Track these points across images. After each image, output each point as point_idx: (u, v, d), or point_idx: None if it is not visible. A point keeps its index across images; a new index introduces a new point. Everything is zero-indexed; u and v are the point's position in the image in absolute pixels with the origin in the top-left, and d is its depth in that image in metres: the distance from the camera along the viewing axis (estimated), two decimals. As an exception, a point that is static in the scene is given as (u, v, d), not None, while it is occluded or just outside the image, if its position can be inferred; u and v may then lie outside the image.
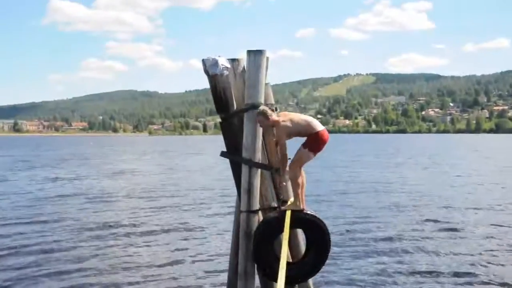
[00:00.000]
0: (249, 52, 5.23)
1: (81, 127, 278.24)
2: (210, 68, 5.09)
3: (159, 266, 9.00)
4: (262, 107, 5.19)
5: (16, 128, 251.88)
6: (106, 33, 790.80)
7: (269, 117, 5.16)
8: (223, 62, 5.14)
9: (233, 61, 5.34)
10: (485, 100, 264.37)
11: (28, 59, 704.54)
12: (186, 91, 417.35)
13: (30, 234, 11.46)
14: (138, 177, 25.75)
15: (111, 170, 30.53)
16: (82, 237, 11.19)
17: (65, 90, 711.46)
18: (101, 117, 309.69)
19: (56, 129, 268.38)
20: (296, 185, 5.33)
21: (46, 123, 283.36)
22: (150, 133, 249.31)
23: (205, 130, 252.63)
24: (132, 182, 23.06)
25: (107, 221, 13.14)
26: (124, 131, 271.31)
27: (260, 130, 5.28)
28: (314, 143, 5.34)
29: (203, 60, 5.16)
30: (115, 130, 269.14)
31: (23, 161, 39.71)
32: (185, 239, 11.08)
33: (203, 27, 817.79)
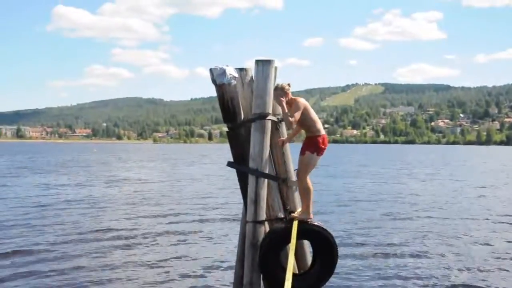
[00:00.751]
0: (257, 61, 5.23)
1: (84, 134, 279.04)
2: (217, 77, 5.07)
3: (162, 275, 8.91)
4: (281, 83, 5.22)
5: (19, 134, 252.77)
6: (112, 39, 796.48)
7: (287, 92, 5.18)
8: (231, 71, 5.12)
9: (240, 70, 5.34)
10: (496, 112, 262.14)
11: (32, 65, 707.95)
12: (191, 99, 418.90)
13: (29, 238, 11.44)
14: (141, 185, 25.69)
15: (114, 177, 30.52)
16: (82, 244, 11.13)
17: (69, 96, 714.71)
18: (105, 124, 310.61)
19: (60, 136, 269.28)
20: (308, 194, 5.29)
21: (49, 130, 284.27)
22: (154, 140, 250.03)
23: (210, 138, 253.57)
24: (135, 190, 23.00)
25: (107, 227, 13.08)
26: (129, 138, 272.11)
27: (267, 141, 5.24)
28: (320, 146, 5.33)
29: (210, 70, 5.16)
30: (119, 137, 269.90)
31: (25, 167, 39.79)
32: (189, 248, 10.99)
33: (209, 35, 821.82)
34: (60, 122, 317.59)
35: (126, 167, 42.32)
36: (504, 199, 20.91)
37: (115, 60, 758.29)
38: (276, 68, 5.33)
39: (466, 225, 14.24)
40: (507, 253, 10.72)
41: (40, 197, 19.60)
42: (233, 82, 5.13)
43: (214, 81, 5.13)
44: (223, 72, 5.05)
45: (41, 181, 26.86)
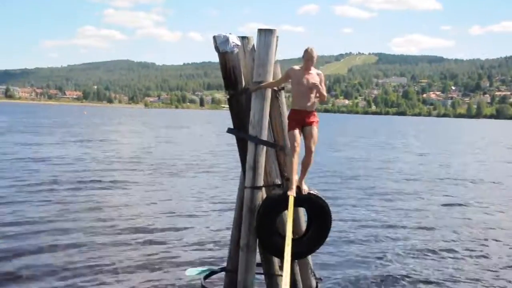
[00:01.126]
0: (259, 30, 5.26)
1: (75, 96, 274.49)
2: (221, 45, 5.11)
3: (159, 236, 9.17)
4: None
5: (8, 94, 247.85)
6: (105, 0, 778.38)
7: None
8: (234, 39, 5.17)
9: (243, 38, 5.37)
10: (488, 85, 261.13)
11: (22, 24, 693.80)
12: (184, 64, 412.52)
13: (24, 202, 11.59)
14: (134, 148, 25.76)
15: (107, 141, 30.53)
16: (79, 210, 11.33)
17: (60, 57, 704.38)
18: (95, 87, 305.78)
19: (50, 97, 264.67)
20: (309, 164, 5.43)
21: (39, 91, 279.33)
22: (146, 105, 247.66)
23: (202, 104, 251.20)
24: (128, 154, 23.10)
25: (103, 191, 13.31)
26: (120, 102, 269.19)
27: (267, 108, 5.35)
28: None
29: (214, 37, 5.20)
30: (110, 101, 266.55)
31: (16, 128, 39.53)
32: (184, 213, 11.24)
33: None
34: (50, 83, 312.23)
35: (122, 131, 42.28)
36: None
37: (107, 21, 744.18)
38: (277, 37, 5.38)
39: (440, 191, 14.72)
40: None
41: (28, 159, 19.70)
42: (236, 50, 5.18)
43: (217, 49, 5.17)
44: (226, 40, 5.08)
45: (31, 140, 26.82)
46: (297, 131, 5.24)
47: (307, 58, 5.25)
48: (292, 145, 5.23)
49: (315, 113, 5.39)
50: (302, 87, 5.26)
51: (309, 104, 5.30)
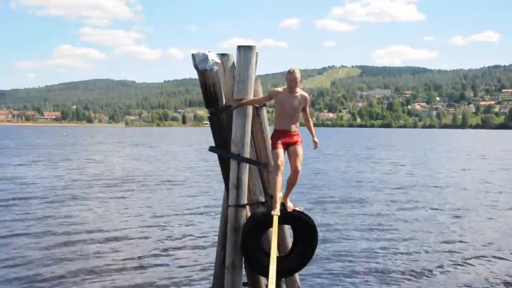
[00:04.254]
0: (239, 47, 5.25)
1: (53, 117, 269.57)
2: (200, 63, 5.08)
3: (145, 257, 8.98)
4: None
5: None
6: (81, 18, 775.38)
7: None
8: (213, 57, 5.14)
9: (222, 56, 5.35)
10: (472, 95, 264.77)
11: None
12: (165, 81, 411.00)
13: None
14: (119, 168, 25.43)
15: (89, 161, 30.11)
16: (67, 230, 11.06)
17: (37, 78, 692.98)
18: (74, 107, 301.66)
19: (27, 119, 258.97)
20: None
21: (16, 112, 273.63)
22: (127, 124, 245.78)
23: (184, 121, 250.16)
24: (114, 174, 22.77)
25: (88, 214, 13.02)
26: (100, 121, 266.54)
27: (249, 126, 5.30)
28: None
29: (192, 55, 5.16)
30: (89, 121, 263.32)
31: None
32: (166, 234, 11.05)
33: (184, 15, 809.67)
34: (27, 104, 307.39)
35: (102, 151, 41.78)
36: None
37: (84, 40, 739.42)
38: (257, 53, 5.35)
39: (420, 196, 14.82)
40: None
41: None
42: (215, 68, 5.15)
43: (196, 67, 5.14)
44: (205, 58, 5.04)
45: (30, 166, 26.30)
46: (281, 150, 5.19)
47: (290, 80, 5.19)
48: (276, 164, 5.15)
49: (298, 132, 5.36)
50: (286, 109, 5.24)
51: (292, 125, 5.29)
